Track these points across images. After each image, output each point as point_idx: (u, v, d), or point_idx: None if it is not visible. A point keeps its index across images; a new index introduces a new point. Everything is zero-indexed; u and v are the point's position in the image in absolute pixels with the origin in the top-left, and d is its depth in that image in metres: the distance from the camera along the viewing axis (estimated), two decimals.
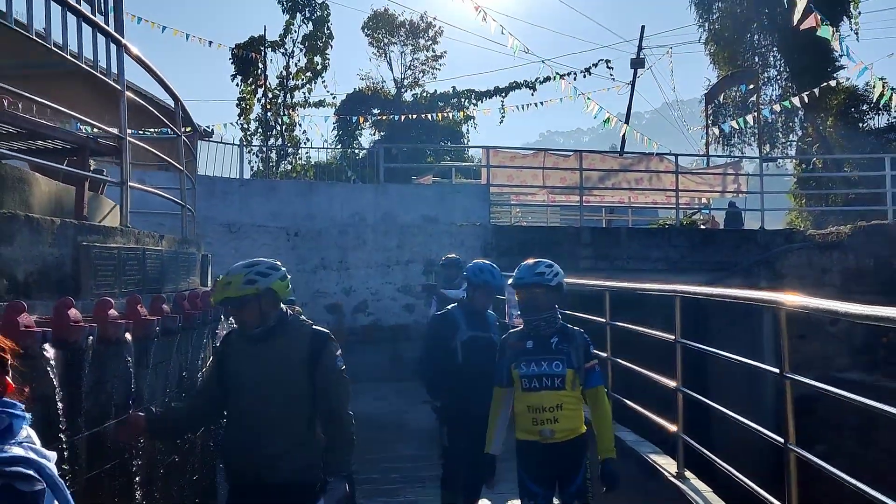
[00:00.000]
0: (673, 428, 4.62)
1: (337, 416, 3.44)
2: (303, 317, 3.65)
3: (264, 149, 21.46)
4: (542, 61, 19.20)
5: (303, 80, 23.10)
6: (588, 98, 15.41)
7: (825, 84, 17.06)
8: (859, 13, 24.76)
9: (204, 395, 3.72)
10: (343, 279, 12.31)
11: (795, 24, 11.79)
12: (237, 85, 22.06)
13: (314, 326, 3.55)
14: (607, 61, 23.88)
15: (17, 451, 1.58)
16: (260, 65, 21.81)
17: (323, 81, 23.52)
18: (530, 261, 4.06)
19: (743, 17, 25.75)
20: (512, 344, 4.05)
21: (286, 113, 22.17)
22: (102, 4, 4.52)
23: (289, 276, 3.52)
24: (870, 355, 12.23)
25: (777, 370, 3.10)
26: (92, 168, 6.17)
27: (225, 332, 3.88)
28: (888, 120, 22.47)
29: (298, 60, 22.91)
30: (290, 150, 22.30)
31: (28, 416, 1.67)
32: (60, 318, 3.25)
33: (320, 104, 25.36)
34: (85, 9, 4.36)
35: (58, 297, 3.49)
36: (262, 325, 3.39)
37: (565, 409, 3.82)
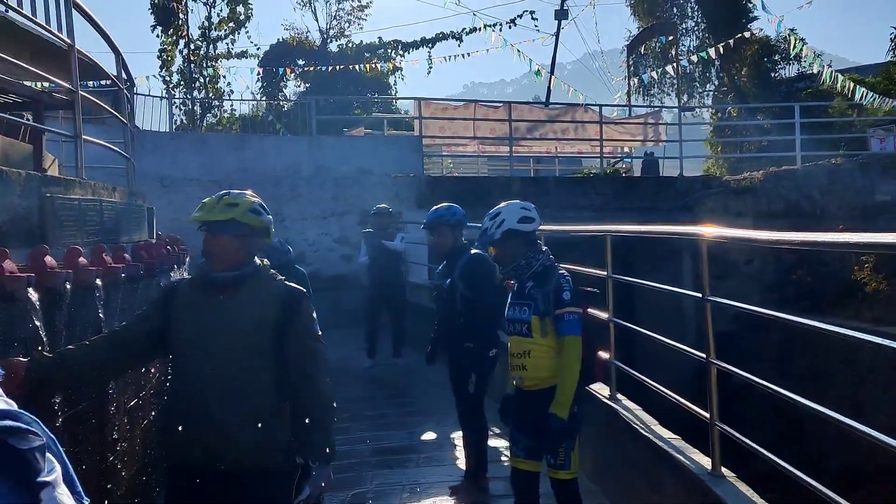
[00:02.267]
0: (606, 355, 5.08)
1: (315, 386, 2.91)
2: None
3: (188, 102, 21.02)
4: (474, 14, 19.26)
5: (225, 30, 22.63)
6: (518, 51, 15.67)
7: (739, 36, 17.77)
8: None
9: (118, 340, 3.05)
10: (279, 231, 12.16)
11: None
12: (157, 36, 21.45)
13: (287, 282, 3.06)
14: (531, 12, 24.14)
15: (1, 405, 1.31)
16: (181, 15, 21.21)
17: (247, 32, 23.12)
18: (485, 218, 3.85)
19: None
20: (508, 285, 3.94)
21: (210, 65, 21.71)
22: None
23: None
24: (781, 292, 13.14)
25: (699, 295, 3.54)
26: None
27: (170, 281, 3.11)
28: (798, 70, 23.57)
29: (220, 10, 22.41)
30: (214, 102, 21.91)
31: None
32: (38, 264, 3.41)
33: (243, 55, 24.90)
34: None
35: (27, 245, 3.63)
36: (239, 269, 2.92)
37: (533, 356, 3.63)
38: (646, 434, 4.17)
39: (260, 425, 2.80)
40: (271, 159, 12.89)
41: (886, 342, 2.32)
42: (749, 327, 11.84)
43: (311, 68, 22.28)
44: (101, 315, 3.98)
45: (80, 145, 4.68)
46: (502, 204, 3.93)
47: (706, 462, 3.58)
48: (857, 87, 15.84)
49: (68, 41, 4.59)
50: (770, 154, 17.84)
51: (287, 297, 2.96)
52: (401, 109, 25.37)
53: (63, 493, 1.31)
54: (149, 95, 15.75)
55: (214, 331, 2.84)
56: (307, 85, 26.66)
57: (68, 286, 3.53)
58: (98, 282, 3.88)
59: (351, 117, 20.08)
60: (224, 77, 22.42)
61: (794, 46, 15.43)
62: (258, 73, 23.87)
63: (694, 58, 21.82)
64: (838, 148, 17.38)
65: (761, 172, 14.99)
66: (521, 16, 23.88)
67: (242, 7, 22.48)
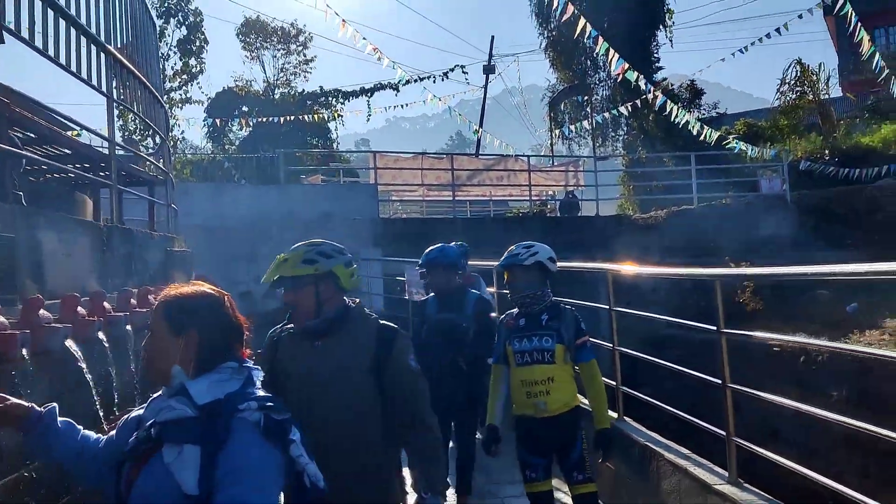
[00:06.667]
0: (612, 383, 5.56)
1: (420, 422, 2.92)
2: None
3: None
4: (418, 80, 21.39)
5: (179, 81, 24.22)
6: (459, 114, 17.86)
7: (643, 97, 20.46)
8: (673, 23, 29.02)
9: None
10: (252, 269, 14.07)
11: (611, 71, 14.87)
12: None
13: (381, 320, 3.03)
14: (462, 66, 26.59)
15: (263, 393, 1.90)
16: None
17: (198, 83, 24.71)
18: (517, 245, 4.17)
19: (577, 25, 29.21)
20: (507, 323, 4.16)
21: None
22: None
23: (355, 265, 3.05)
24: (682, 316, 15.32)
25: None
26: None
27: (272, 331, 3.18)
28: (697, 118, 26.57)
29: (174, 63, 24.02)
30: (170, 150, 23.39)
31: (261, 371, 1.97)
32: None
33: (187, 101, 26.48)
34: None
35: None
36: (318, 315, 2.88)
37: (556, 381, 3.91)
38: (658, 450, 4.51)
39: (374, 471, 2.83)
40: (244, 206, 14.59)
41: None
42: (652, 346, 14.01)
43: (263, 119, 23.97)
44: None
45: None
46: (535, 243, 4.21)
47: (723, 473, 3.92)
48: (733, 138, 18.54)
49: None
50: (673, 196, 20.03)
51: (381, 336, 2.94)
52: (349, 158, 27.32)
53: (303, 452, 1.83)
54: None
55: (318, 378, 2.82)
56: (250, 130, 28.37)
57: None
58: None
59: (315, 168, 21.72)
60: (178, 126, 23.92)
61: (678, 113, 18.13)
62: (215, 123, 25.44)
63: (606, 114, 24.54)
64: (731, 189, 19.85)
65: (664, 211, 17.42)
66: (452, 69, 26.28)
67: (195, 60, 24.14)
